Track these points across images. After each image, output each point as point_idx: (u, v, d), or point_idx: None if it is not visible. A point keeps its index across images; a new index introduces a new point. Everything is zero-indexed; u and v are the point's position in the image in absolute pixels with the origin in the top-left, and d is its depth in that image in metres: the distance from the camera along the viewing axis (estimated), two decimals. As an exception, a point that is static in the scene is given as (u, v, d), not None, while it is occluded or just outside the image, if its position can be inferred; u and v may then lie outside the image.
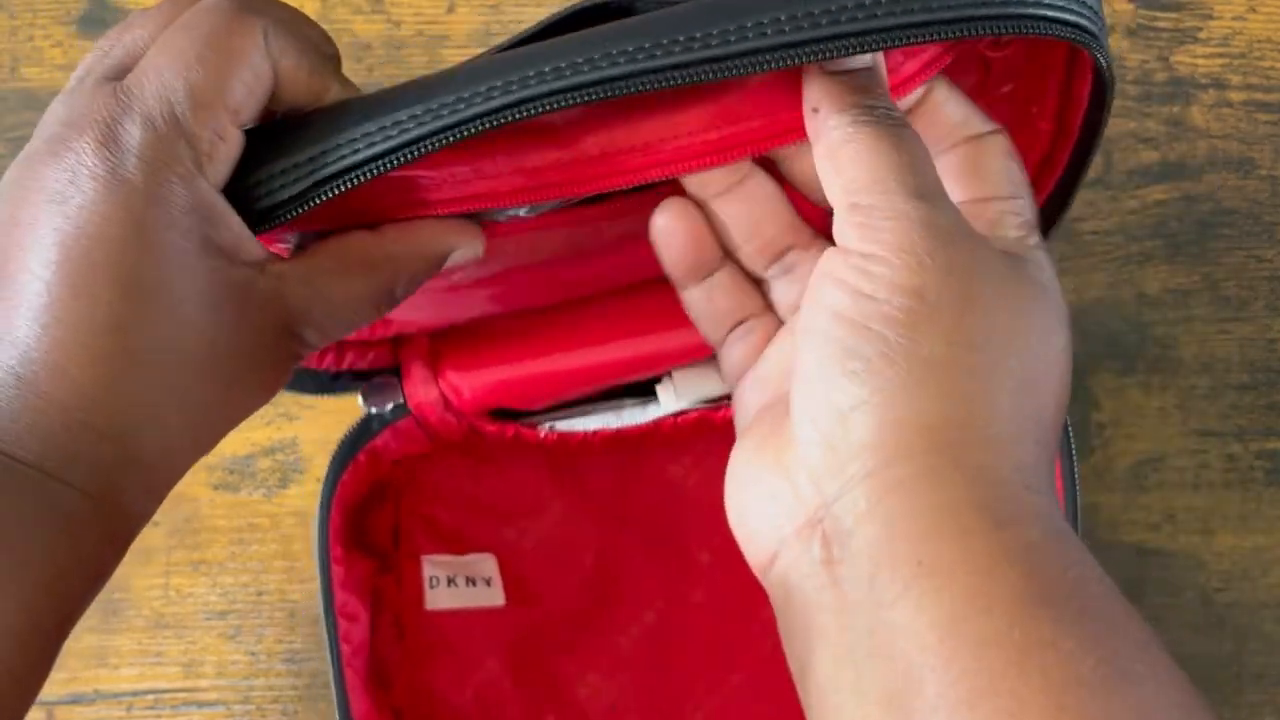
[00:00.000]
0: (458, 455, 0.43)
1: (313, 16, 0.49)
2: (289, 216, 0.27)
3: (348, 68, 0.50)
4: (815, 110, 0.27)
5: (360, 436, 0.40)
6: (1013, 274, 0.26)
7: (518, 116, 0.26)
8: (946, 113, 0.29)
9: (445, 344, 0.39)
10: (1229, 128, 0.48)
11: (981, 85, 0.33)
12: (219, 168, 0.26)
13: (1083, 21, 0.27)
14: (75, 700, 0.46)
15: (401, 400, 0.39)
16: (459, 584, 0.42)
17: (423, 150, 0.26)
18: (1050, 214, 0.35)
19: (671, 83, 0.25)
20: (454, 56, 0.49)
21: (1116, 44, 0.48)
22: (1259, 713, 0.46)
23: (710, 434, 0.43)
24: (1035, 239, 0.28)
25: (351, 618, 0.39)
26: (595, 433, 0.41)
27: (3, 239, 0.25)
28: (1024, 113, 0.34)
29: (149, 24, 0.27)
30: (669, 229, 0.31)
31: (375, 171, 0.26)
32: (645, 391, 0.41)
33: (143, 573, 0.46)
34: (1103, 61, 0.28)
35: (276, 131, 0.27)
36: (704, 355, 0.39)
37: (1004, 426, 0.25)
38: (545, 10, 0.49)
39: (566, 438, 0.41)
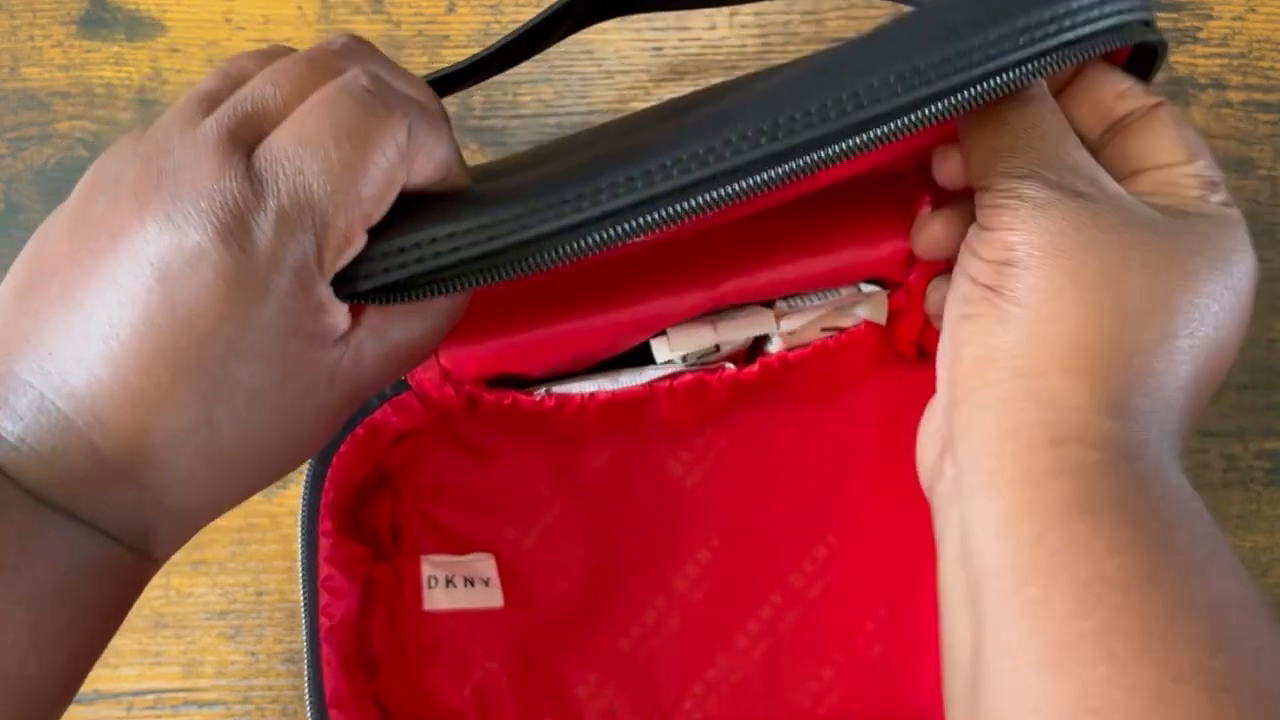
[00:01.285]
0: (459, 453, 0.43)
1: (312, 17, 0.49)
2: (390, 299, 0.27)
3: (348, 68, 0.50)
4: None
5: (359, 411, 0.39)
6: (1166, 229, 0.29)
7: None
8: (1107, 91, 0.32)
9: None
10: (1229, 128, 0.48)
11: None
12: (340, 266, 0.26)
13: (1147, 15, 0.29)
14: (75, 700, 0.46)
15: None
16: (457, 584, 0.42)
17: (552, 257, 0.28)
18: None
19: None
20: (454, 56, 0.49)
21: (1116, 44, 0.48)
22: (1259, 713, 0.46)
23: (710, 427, 0.44)
24: (1219, 197, 0.30)
25: (336, 593, 0.39)
26: (591, 396, 0.41)
27: (86, 273, 0.24)
28: None
29: (282, 81, 0.26)
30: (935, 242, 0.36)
31: (501, 275, 0.28)
32: (643, 364, 0.42)
33: (142, 573, 0.46)
34: (1158, 41, 0.30)
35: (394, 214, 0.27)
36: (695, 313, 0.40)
37: (1092, 361, 0.28)
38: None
39: (563, 401, 0.41)
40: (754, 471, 0.44)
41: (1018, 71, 0.28)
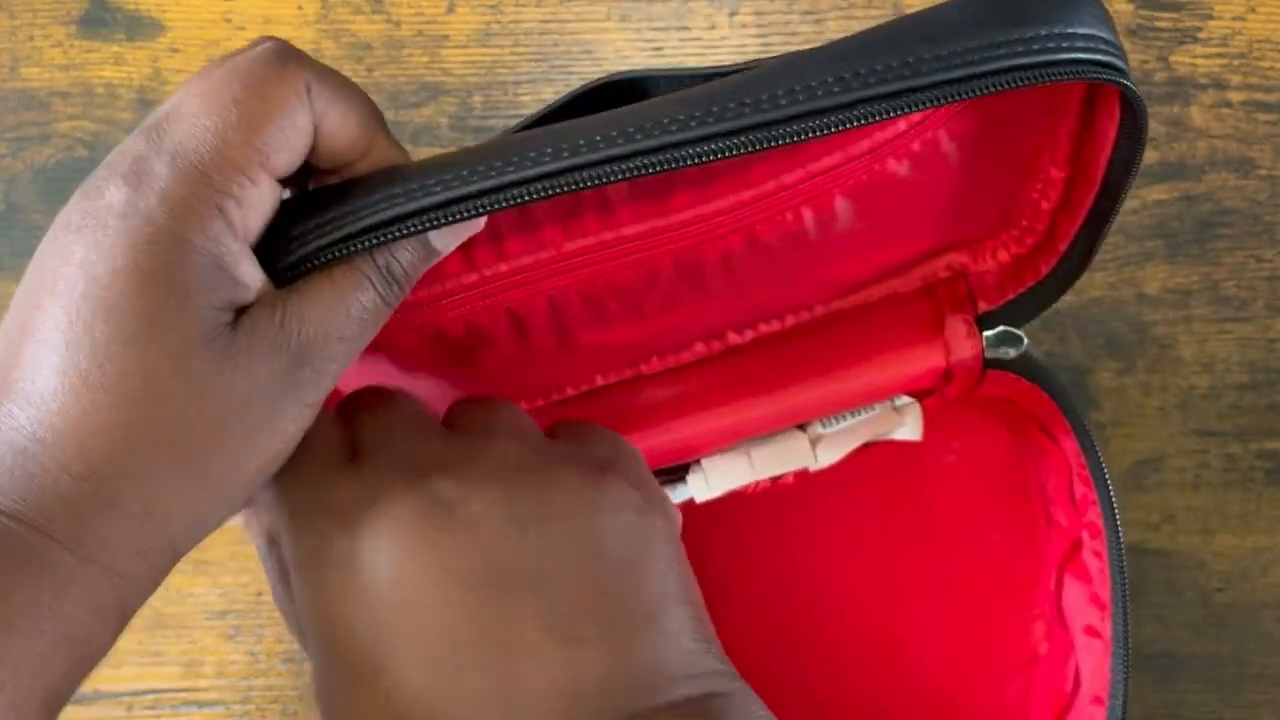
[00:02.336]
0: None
1: (312, 17, 0.49)
2: (309, 268, 0.26)
3: (348, 68, 0.50)
4: None
5: None
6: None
7: (570, 187, 0.26)
8: None
9: None
10: (1229, 128, 0.48)
11: (980, 131, 0.33)
12: (248, 215, 0.25)
13: (1111, 59, 0.27)
14: (75, 700, 0.46)
15: None
16: None
17: (456, 214, 0.26)
18: (1078, 260, 0.35)
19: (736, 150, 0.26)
20: (454, 56, 0.49)
21: (1116, 44, 0.48)
22: (1258, 713, 0.46)
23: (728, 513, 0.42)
24: None
25: None
26: None
27: (34, 283, 0.25)
28: (1032, 164, 0.34)
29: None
30: None
31: (401, 232, 0.26)
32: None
33: (143, 573, 0.46)
34: (1134, 95, 0.28)
35: (319, 193, 0.27)
36: (730, 441, 0.39)
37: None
38: (545, 10, 0.49)
39: None
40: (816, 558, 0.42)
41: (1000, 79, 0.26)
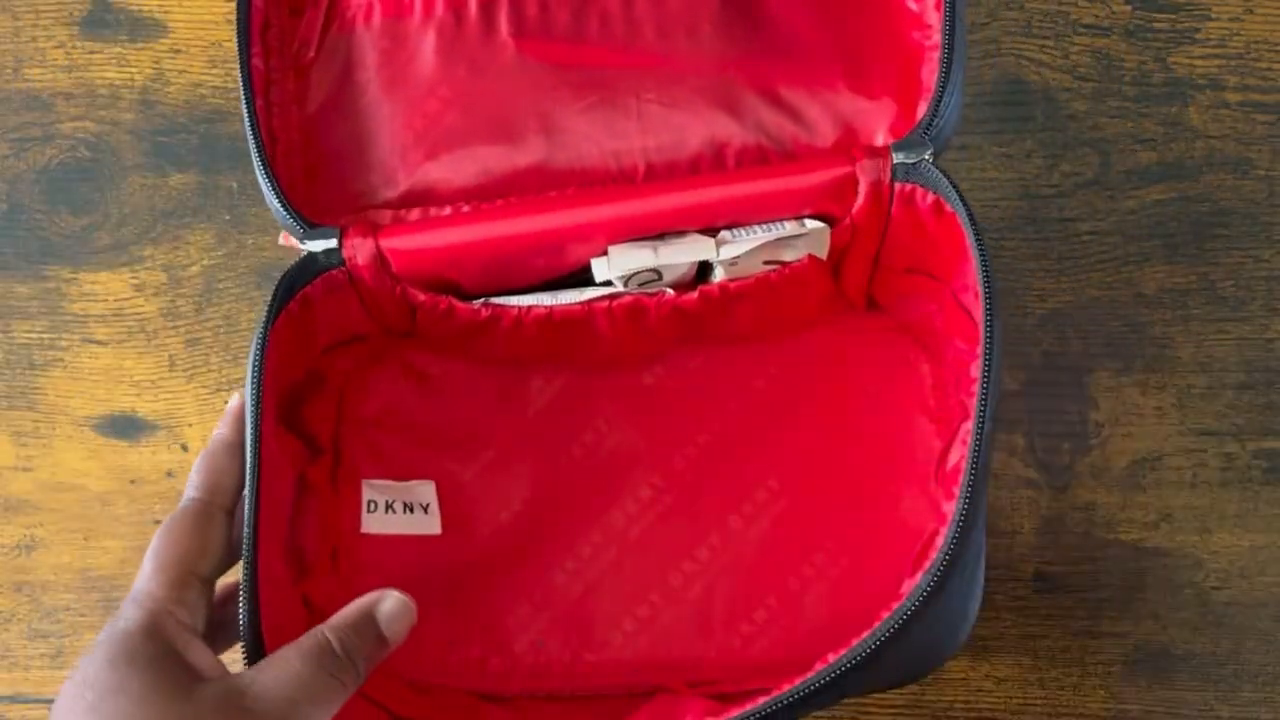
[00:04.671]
0: (405, 379, 0.44)
1: (314, 18, 0.49)
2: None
3: (349, 69, 0.50)
4: None
5: (300, 275, 0.40)
6: None
7: None
8: None
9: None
10: (1226, 128, 0.48)
11: None
12: (192, 613, 0.34)
13: None
14: (78, 698, 0.46)
15: (335, 246, 0.40)
16: (396, 509, 0.43)
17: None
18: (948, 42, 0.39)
19: None
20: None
21: (1114, 45, 0.49)
22: (1255, 710, 0.46)
23: (654, 364, 0.45)
24: None
25: (275, 475, 0.39)
26: (528, 310, 0.42)
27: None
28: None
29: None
30: None
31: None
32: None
33: (145, 571, 0.46)
34: None
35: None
36: (632, 234, 0.41)
37: None
38: (546, 11, 0.49)
39: (499, 314, 0.42)
40: (697, 411, 0.45)
41: None
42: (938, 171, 0.39)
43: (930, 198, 0.40)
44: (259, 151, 0.40)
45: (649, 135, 0.42)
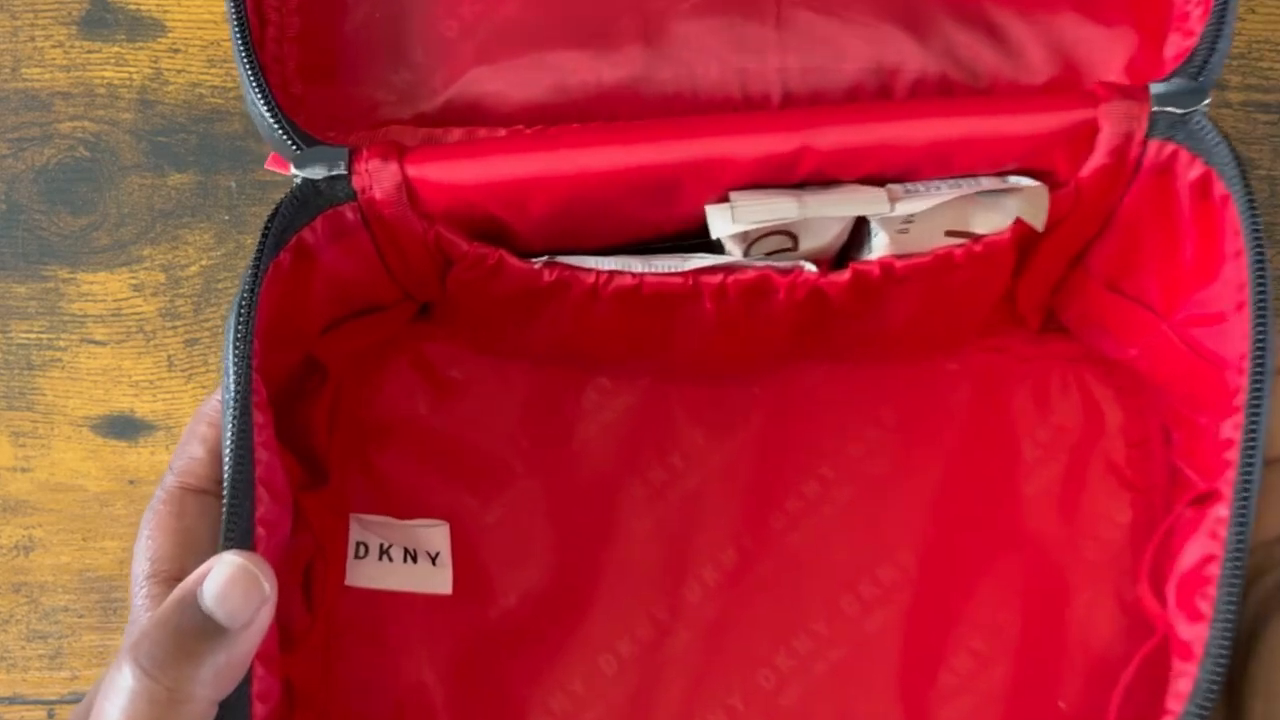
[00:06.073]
0: (419, 381, 0.34)
1: (313, 17, 0.49)
2: None
3: (348, 68, 0.50)
4: None
5: (294, 213, 0.29)
6: None
7: None
8: None
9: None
10: (1227, 128, 0.48)
11: None
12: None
13: None
14: (77, 699, 0.46)
15: (344, 172, 0.29)
16: (394, 557, 0.33)
17: None
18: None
19: None
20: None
21: (1115, 44, 0.48)
22: (1258, 711, 0.46)
23: (756, 380, 0.34)
24: None
25: (273, 517, 0.29)
26: (609, 277, 0.30)
27: None
28: None
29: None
30: None
31: None
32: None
33: (144, 572, 0.46)
34: None
35: None
36: (763, 178, 0.29)
37: None
38: (545, 11, 0.49)
39: (568, 279, 0.30)
40: (806, 449, 0.34)
41: None
42: (1217, 132, 0.28)
43: (1197, 170, 0.28)
44: (240, 31, 0.30)
45: (790, 52, 0.30)
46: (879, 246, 0.30)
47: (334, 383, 0.34)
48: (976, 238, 0.30)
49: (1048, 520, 0.33)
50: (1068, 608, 0.32)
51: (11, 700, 0.49)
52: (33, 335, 0.50)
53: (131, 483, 0.49)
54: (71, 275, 0.50)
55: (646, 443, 0.34)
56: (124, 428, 0.49)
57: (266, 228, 0.28)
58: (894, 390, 0.34)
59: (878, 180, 0.29)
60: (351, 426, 0.34)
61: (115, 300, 0.50)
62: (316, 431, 0.33)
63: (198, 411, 0.30)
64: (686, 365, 0.33)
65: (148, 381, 0.49)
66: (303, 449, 0.32)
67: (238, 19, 0.30)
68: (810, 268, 0.30)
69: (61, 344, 0.50)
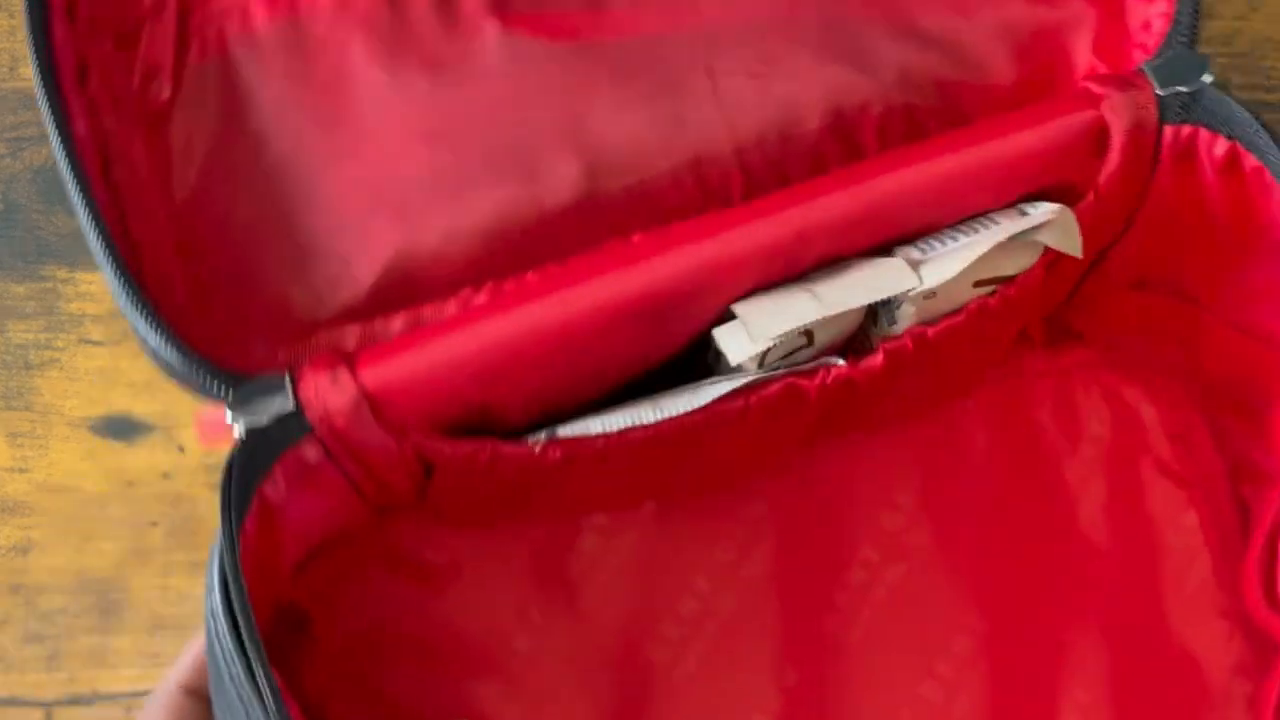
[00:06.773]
0: (399, 579, 0.29)
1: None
2: None
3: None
4: None
5: (252, 468, 0.24)
6: None
7: None
8: None
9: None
10: (1231, 127, 0.48)
11: None
12: None
13: None
14: (74, 701, 0.46)
15: (292, 406, 0.24)
16: None
17: None
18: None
19: None
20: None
21: (1118, 43, 0.48)
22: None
23: (750, 527, 0.30)
24: None
25: None
26: (620, 435, 0.26)
27: None
28: None
29: None
30: None
31: None
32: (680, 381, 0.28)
33: (141, 573, 0.46)
34: None
35: None
36: (764, 278, 0.25)
37: None
38: (545, 10, 0.49)
39: (574, 451, 0.26)
40: (839, 541, 0.30)
41: None
42: (1232, 101, 0.26)
43: (1221, 147, 0.25)
44: (117, 271, 0.25)
45: (740, 126, 0.27)
46: (905, 317, 0.27)
47: (320, 627, 0.30)
48: (1008, 280, 0.26)
49: (1111, 543, 0.30)
50: (1165, 632, 0.29)
51: (8, 702, 0.49)
52: (30, 335, 0.50)
53: (129, 484, 0.49)
54: (69, 275, 0.50)
55: (665, 575, 0.30)
56: (122, 428, 0.49)
57: (225, 496, 0.24)
58: (915, 448, 0.31)
59: (890, 244, 0.26)
60: (332, 647, 0.29)
61: (113, 300, 0.50)
62: (309, 673, 0.29)
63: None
64: (695, 483, 0.29)
65: (145, 382, 0.49)
66: (302, 705, 0.28)
67: (106, 249, 0.24)
68: (838, 362, 0.27)
69: (59, 344, 0.49)
